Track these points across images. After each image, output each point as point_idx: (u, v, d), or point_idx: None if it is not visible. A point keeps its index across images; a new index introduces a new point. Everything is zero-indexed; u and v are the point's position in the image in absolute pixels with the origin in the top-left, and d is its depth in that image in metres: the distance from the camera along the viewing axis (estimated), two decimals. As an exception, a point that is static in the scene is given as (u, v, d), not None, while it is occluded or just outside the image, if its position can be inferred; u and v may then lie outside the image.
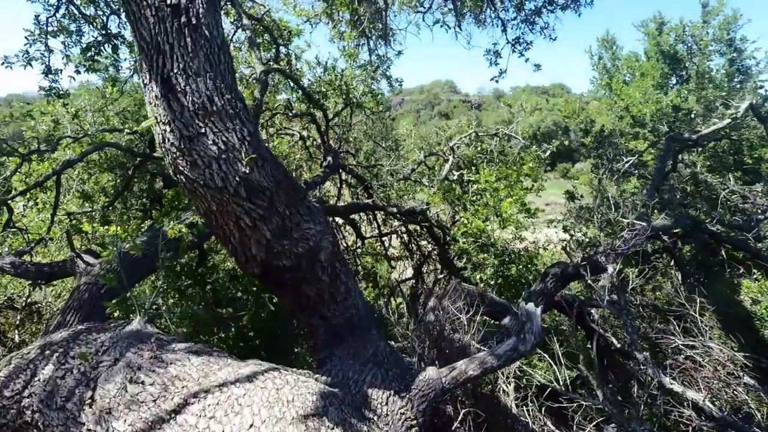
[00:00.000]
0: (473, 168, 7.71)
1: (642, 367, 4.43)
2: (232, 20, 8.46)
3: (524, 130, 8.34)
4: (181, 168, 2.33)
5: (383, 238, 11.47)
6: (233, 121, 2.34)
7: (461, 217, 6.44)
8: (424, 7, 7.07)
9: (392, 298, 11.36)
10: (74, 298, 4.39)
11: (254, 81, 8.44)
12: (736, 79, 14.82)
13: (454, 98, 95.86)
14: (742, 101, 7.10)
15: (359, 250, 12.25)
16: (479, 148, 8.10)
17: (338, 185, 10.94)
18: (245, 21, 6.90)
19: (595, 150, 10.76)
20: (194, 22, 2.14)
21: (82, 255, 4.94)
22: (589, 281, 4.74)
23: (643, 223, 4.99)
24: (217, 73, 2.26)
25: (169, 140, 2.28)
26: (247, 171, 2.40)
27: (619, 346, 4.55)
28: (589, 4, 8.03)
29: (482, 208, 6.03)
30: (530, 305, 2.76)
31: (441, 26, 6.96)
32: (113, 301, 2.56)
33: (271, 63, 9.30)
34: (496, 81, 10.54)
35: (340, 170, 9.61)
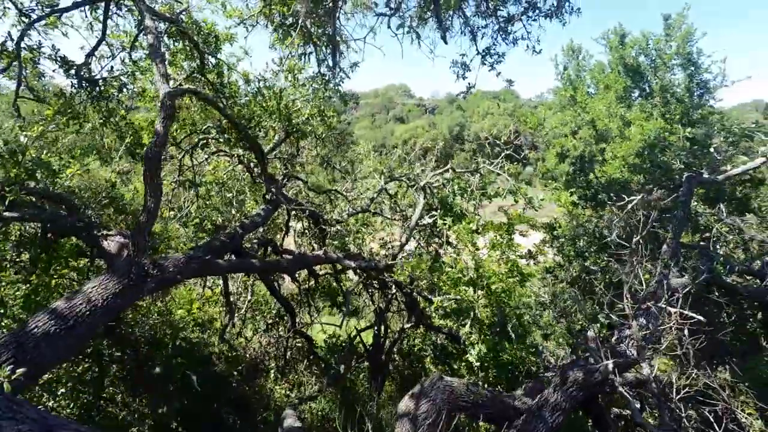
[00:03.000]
0: (450, 211, 6.38)
1: None
2: (136, 20, 6.63)
3: (513, 167, 7.14)
4: None
5: (339, 275, 9.89)
6: None
7: (438, 282, 5.07)
8: (391, 8, 5.59)
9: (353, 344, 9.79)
10: None
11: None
12: (695, 94, 14.58)
13: (408, 102, 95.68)
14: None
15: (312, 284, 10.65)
16: (457, 186, 6.80)
17: (285, 217, 9.26)
18: (148, 22, 5.12)
19: (577, 176, 9.83)
20: None
21: None
22: (621, 389, 3.51)
23: (673, 309, 3.86)
24: None
25: None
26: None
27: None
28: (577, 11, 6.91)
29: (460, 276, 4.69)
30: None
31: (408, 32, 5.56)
32: None
33: (195, 75, 7.51)
34: (464, 97, 9.35)
35: (286, 204, 7.96)
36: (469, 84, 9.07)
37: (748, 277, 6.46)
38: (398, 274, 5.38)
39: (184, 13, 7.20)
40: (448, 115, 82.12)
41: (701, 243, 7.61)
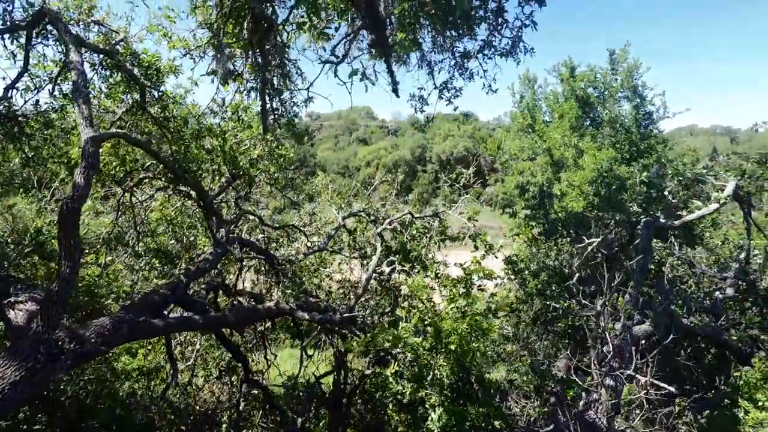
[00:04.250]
0: (408, 256, 6.11)
1: None
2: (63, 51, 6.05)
3: (472, 210, 6.99)
4: None
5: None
6: None
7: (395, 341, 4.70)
8: (336, 57, 5.37)
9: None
10: None
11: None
12: (642, 125, 15.33)
13: (371, 124, 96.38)
14: (727, 182, 6.50)
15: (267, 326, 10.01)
16: (416, 230, 6.55)
17: (238, 257, 8.67)
18: (73, 56, 4.62)
19: (537, 212, 9.90)
20: None
21: None
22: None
23: (643, 378, 3.72)
24: None
25: None
26: None
27: None
28: (531, 51, 6.98)
29: (417, 342, 4.38)
30: None
31: (361, 80, 5.33)
32: None
33: (135, 109, 6.98)
34: (423, 128, 9.30)
35: (235, 255, 7.42)
36: (427, 117, 8.99)
37: (702, 315, 6.58)
38: (352, 347, 4.99)
39: (121, 43, 6.69)
40: (410, 136, 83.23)
41: (656, 275, 7.73)
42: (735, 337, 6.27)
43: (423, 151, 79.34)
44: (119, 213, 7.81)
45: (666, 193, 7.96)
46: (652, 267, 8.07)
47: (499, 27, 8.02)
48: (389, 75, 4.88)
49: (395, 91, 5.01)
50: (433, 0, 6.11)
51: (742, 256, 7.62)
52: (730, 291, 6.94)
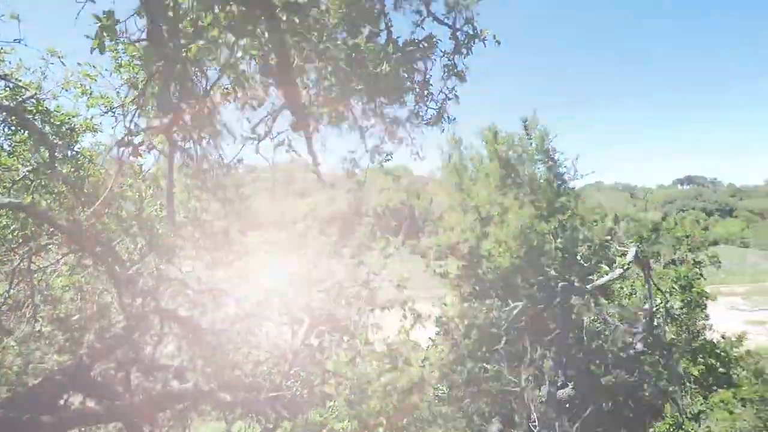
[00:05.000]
0: (338, 327, 5.97)
1: None
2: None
3: (401, 277, 7.05)
4: None
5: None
6: None
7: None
8: (258, 135, 5.42)
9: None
10: None
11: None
12: (555, 185, 16.88)
13: (308, 177, 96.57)
14: (629, 248, 7.25)
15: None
16: (345, 300, 6.46)
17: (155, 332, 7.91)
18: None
19: (467, 269, 10.27)
20: None
21: None
22: None
23: None
24: None
25: None
26: None
27: None
28: (453, 120, 7.62)
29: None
30: None
31: (287, 152, 5.39)
32: None
33: (43, 171, 6.44)
34: (359, 186, 9.51)
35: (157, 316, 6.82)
36: (357, 181, 9.27)
37: (618, 370, 7.01)
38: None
39: (31, 100, 6.25)
40: (346, 190, 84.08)
41: (575, 330, 8.19)
42: (647, 393, 6.73)
43: (359, 204, 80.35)
44: (13, 284, 6.90)
45: (578, 257, 8.71)
46: (572, 318, 8.57)
47: (426, 98, 8.68)
48: (311, 156, 4.99)
49: (316, 172, 5.11)
50: (359, 76, 6.49)
51: (647, 306, 8.39)
52: (639, 346, 7.55)
